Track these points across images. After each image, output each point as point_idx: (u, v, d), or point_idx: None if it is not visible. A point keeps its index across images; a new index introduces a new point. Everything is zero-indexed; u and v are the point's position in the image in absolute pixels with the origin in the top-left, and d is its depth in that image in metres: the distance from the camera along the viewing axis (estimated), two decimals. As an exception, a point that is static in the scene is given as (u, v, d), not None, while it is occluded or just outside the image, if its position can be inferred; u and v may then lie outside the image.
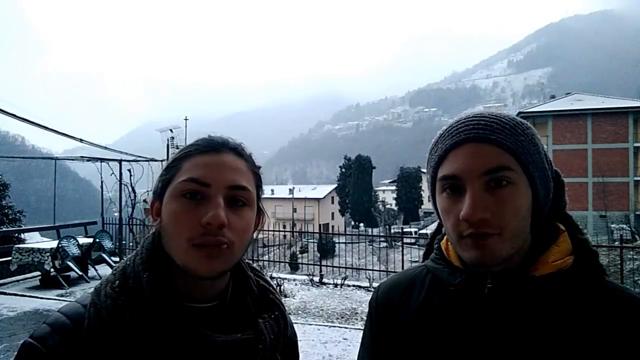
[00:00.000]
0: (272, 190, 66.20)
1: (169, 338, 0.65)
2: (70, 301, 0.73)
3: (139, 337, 0.64)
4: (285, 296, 7.40)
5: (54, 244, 8.21)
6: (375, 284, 8.40)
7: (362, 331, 0.92)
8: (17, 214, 15.59)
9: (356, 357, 0.89)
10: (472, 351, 0.69)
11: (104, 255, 8.85)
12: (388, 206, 46.32)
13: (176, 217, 0.67)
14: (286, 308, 0.82)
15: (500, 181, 0.65)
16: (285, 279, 8.66)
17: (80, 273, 8.19)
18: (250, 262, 0.86)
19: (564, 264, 0.69)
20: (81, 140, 11.58)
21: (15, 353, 0.64)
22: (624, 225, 24.04)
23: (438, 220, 0.85)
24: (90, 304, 0.67)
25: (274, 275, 8.66)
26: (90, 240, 9.10)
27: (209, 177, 0.68)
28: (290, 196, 57.23)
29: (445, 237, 0.79)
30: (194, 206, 0.67)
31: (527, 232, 0.68)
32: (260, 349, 0.70)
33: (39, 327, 0.67)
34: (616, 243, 13.14)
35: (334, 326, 6.06)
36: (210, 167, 0.70)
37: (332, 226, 53.73)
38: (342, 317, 6.54)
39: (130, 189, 11.34)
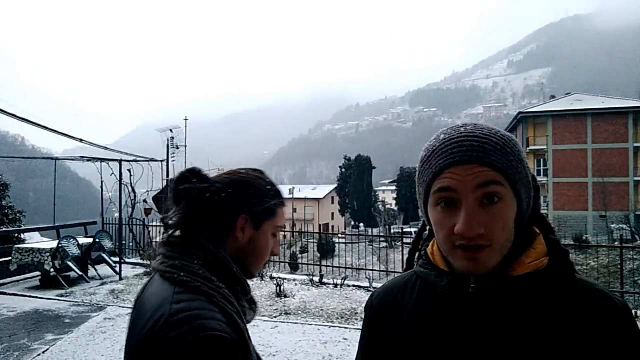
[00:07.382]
0: (272, 190, 66.07)
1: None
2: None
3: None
4: (286, 296, 7.38)
5: (54, 244, 8.21)
6: (375, 284, 8.39)
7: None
8: (17, 214, 15.57)
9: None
10: (459, 348, 0.76)
11: (104, 256, 8.85)
12: (388, 206, 46.32)
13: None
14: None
15: (492, 197, 0.72)
16: (285, 279, 8.64)
17: (80, 273, 8.20)
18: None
19: (540, 264, 0.76)
20: (81, 141, 11.57)
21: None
22: (624, 225, 24.06)
23: (420, 226, 0.93)
24: (220, 310, 0.82)
25: (274, 275, 8.65)
26: (90, 240, 9.10)
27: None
28: (290, 196, 57.20)
29: (430, 243, 0.87)
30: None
31: (512, 240, 0.75)
32: None
33: (210, 322, 0.77)
34: (616, 243, 13.15)
35: (334, 326, 6.06)
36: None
37: (332, 226, 53.70)
38: (342, 317, 6.53)
39: (130, 189, 11.33)
